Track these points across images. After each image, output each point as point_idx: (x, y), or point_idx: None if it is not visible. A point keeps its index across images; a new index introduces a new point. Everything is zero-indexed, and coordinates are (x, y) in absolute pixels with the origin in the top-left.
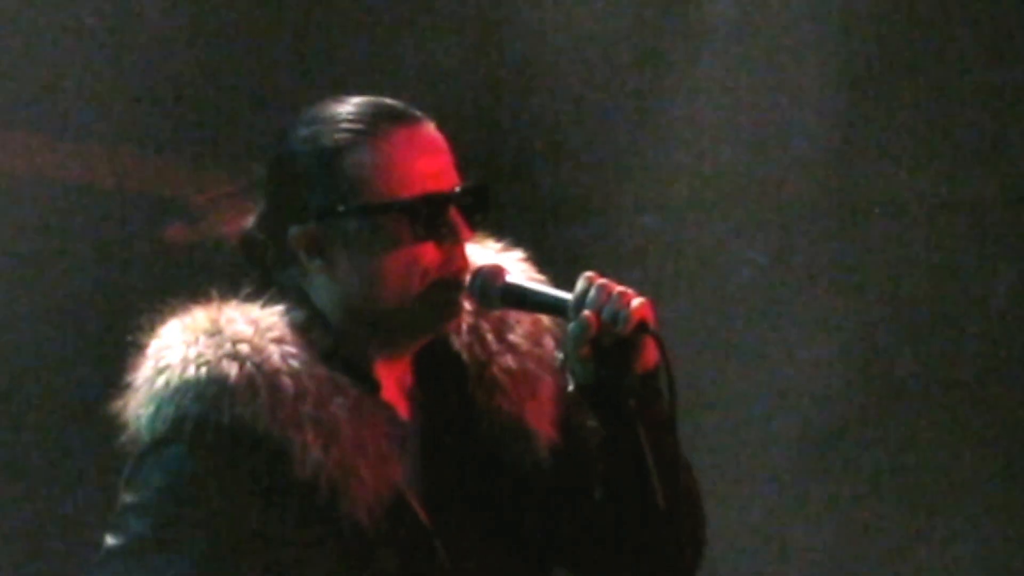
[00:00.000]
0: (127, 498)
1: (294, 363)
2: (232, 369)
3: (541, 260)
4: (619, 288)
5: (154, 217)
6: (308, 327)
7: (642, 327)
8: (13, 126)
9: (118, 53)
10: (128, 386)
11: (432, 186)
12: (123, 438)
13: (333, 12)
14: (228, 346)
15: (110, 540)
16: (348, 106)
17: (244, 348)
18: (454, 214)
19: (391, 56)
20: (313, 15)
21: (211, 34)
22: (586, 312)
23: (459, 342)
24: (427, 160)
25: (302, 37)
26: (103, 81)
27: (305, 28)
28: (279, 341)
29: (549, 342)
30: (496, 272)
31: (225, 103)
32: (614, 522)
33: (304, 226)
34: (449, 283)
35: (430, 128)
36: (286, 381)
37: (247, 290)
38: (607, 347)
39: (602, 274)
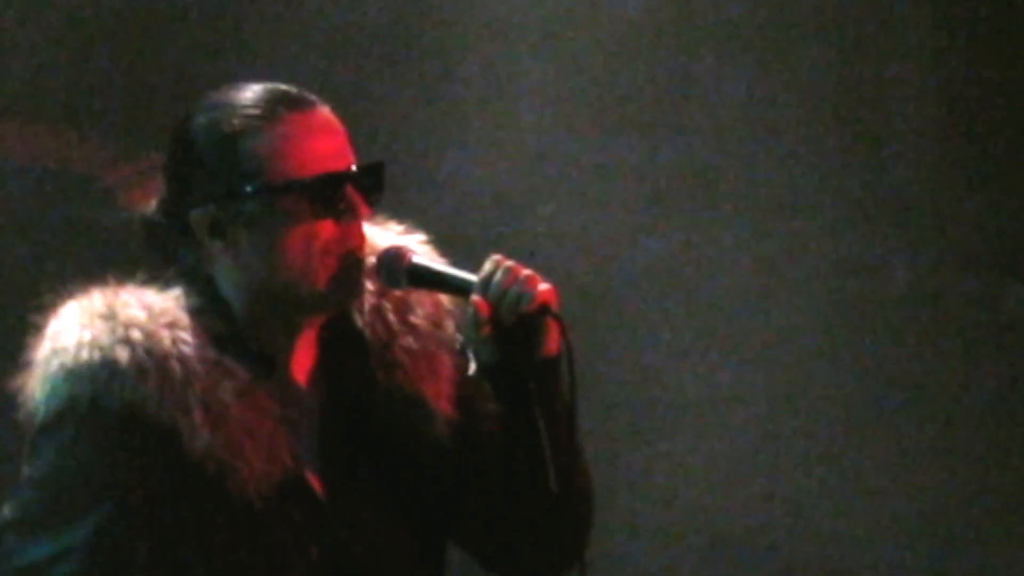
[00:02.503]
0: (25, 472)
1: (184, 348)
2: (123, 354)
3: (443, 244)
4: (525, 272)
5: (67, 195)
6: (203, 311)
7: (544, 310)
8: None
9: (42, 28)
10: (28, 365)
11: (328, 166)
12: (22, 414)
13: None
14: (121, 331)
15: (6, 512)
16: (245, 92)
17: (136, 333)
18: (351, 192)
19: (294, 36)
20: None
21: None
22: (475, 297)
23: (362, 321)
24: (322, 141)
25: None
26: (23, 55)
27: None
28: (171, 326)
29: (450, 324)
30: (402, 253)
31: (147, 81)
32: (507, 502)
33: (205, 209)
34: (349, 260)
35: (325, 111)
36: (175, 365)
37: (145, 274)
38: (509, 329)
39: (509, 258)
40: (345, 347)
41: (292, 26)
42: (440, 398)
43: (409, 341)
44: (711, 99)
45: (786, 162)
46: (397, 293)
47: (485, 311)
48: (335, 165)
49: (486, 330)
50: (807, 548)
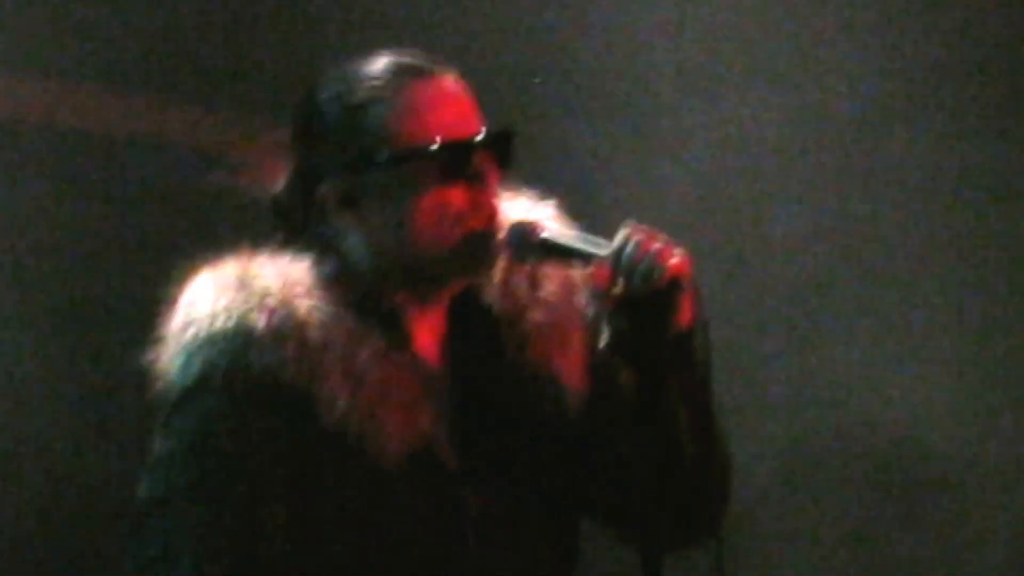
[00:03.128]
0: (160, 449)
1: (320, 315)
2: (259, 321)
3: (574, 211)
4: (658, 242)
5: (194, 168)
6: (336, 279)
7: (676, 283)
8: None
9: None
10: (160, 338)
11: (455, 133)
12: (155, 389)
13: None
14: (255, 298)
15: (145, 492)
16: (370, 63)
17: (272, 300)
18: (479, 159)
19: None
20: None
21: None
22: (595, 268)
23: (491, 294)
24: (449, 109)
25: None
26: (150, 33)
27: None
28: (306, 294)
29: (580, 297)
30: (531, 227)
31: (247, 49)
32: (642, 476)
33: (333, 181)
34: (481, 231)
35: (452, 79)
36: (312, 333)
37: (278, 242)
38: (642, 301)
39: (643, 225)
40: (474, 321)
41: None
42: (571, 373)
43: (539, 315)
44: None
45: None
46: (527, 266)
47: (606, 282)
48: (462, 132)
49: (611, 302)
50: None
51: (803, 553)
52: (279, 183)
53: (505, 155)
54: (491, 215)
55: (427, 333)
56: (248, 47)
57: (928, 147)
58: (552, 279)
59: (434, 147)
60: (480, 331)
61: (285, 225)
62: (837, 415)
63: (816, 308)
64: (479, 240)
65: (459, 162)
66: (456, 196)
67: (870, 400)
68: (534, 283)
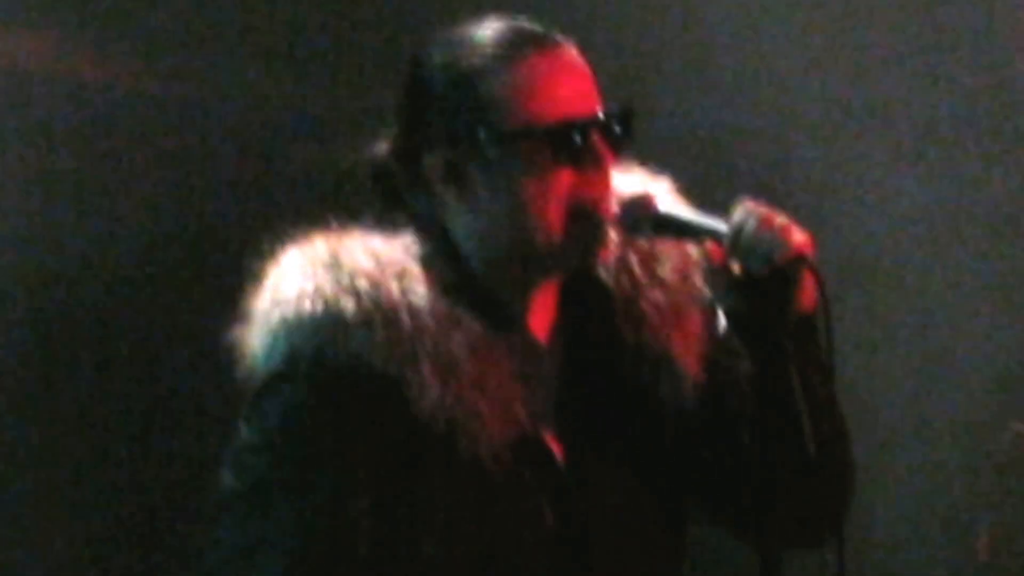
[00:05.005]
0: (245, 437)
1: (414, 299)
2: (349, 304)
3: (688, 189)
4: (780, 219)
5: (293, 136)
6: (434, 259)
7: (799, 261)
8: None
9: None
10: (245, 316)
11: (573, 110)
12: (240, 370)
13: None
14: (346, 280)
15: (229, 480)
16: (486, 29)
17: (362, 282)
18: (597, 139)
19: None
20: None
21: None
22: (710, 245)
23: (606, 273)
24: (568, 84)
25: None
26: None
27: None
28: (400, 275)
29: (698, 277)
30: (646, 201)
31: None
32: (760, 468)
33: (439, 153)
34: (592, 214)
35: (571, 51)
36: (404, 317)
37: (372, 219)
38: (762, 281)
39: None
40: (588, 301)
41: None
42: (688, 356)
43: (656, 295)
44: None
45: None
46: (643, 244)
47: (721, 259)
48: (580, 110)
49: (730, 281)
50: None
51: None
52: (382, 153)
53: (624, 135)
54: (604, 198)
55: (537, 315)
56: (349, 9)
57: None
58: (669, 258)
59: (551, 125)
60: (594, 312)
61: (384, 198)
62: None
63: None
64: (590, 225)
65: (575, 143)
66: (570, 177)
67: None
68: (650, 262)
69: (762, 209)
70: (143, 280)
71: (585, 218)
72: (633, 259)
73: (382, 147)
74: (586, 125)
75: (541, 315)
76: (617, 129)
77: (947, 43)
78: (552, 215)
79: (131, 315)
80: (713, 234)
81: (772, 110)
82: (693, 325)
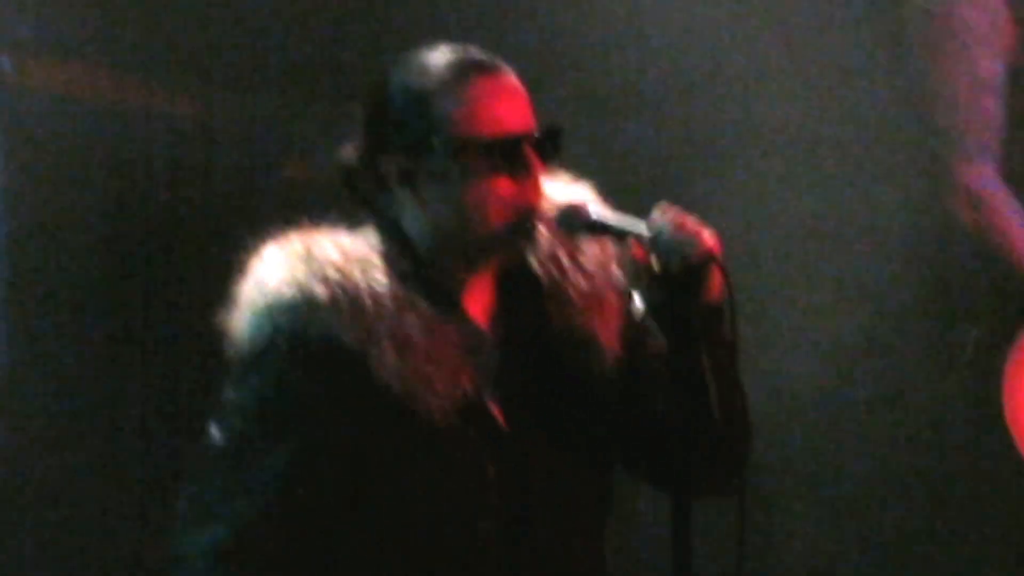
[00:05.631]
0: (231, 396)
1: (375, 285)
2: (320, 290)
3: (610, 196)
4: (693, 222)
5: (269, 152)
6: (391, 251)
7: (709, 259)
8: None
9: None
10: (232, 302)
11: (510, 128)
12: (227, 347)
13: None
14: (318, 269)
15: (215, 434)
16: (439, 56)
17: (331, 271)
18: (528, 152)
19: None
20: None
21: None
22: (635, 245)
23: (537, 264)
24: (506, 104)
25: None
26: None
27: None
28: (363, 265)
29: (615, 268)
30: (581, 206)
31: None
32: (672, 433)
33: (396, 158)
34: (524, 212)
35: (510, 76)
36: (367, 301)
37: (339, 216)
38: (677, 275)
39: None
40: (521, 289)
41: None
42: (608, 335)
43: (580, 283)
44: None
45: None
46: (568, 240)
47: (644, 257)
48: (516, 127)
49: (650, 275)
50: None
51: None
52: (349, 158)
53: (553, 148)
54: (534, 200)
55: (476, 300)
56: (321, 42)
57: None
58: (591, 253)
59: (489, 140)
60: (527, 299)
61: (350, 197)
62: None
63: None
64: (521, 222)
65: (509, 156)
66: (504, 183)
67: None
68: (575, 255)
69: (678, 213)
70: (154, 272)
71: (517, 217)
72: (560, 252)
73: (349, 154)
74: (520, 140)
75: (480, 300)
76: (547, 144)
77: (839, 66)
78: (489, 214)
79: (142, 303)
80: (636, 235)
81: (677, 123)
82: (611, 309)
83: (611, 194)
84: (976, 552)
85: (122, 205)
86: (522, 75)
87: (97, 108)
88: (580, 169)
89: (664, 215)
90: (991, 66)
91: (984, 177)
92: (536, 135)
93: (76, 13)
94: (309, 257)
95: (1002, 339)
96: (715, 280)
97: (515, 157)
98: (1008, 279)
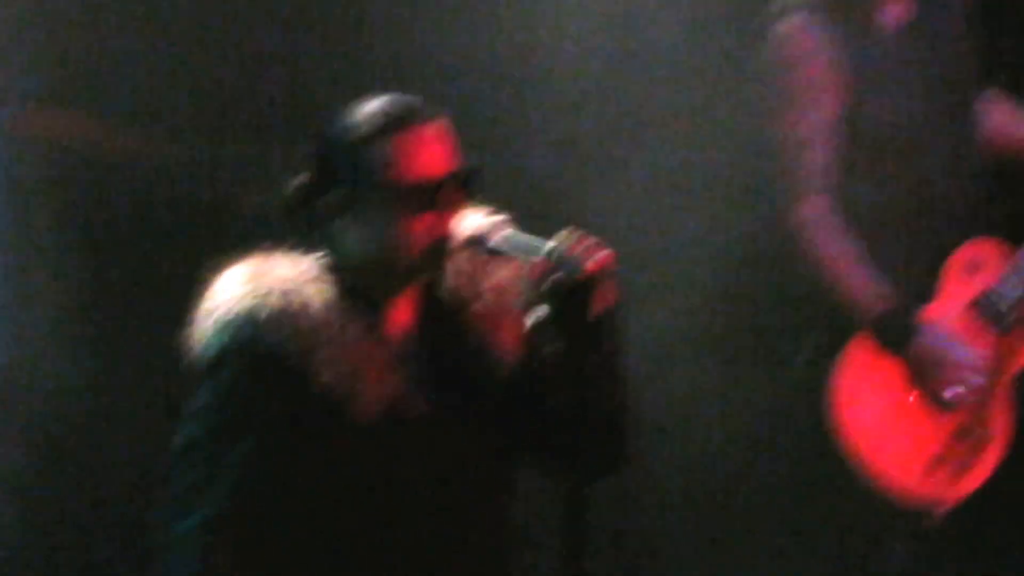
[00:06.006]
0: (191, 408)
1: (315, 302)
2: (266, 306)
3: (522, 222)
4: (587, 242)
5: (231, 188)
6: (330, 274)
7: (595, 277)
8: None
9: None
10: (192, 320)
11: (432, 172)
12: (187, 359)
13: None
14: (265, 289)
15: (181, 438)
16: (376, 105)
17: (277, 290)
18: (449, 190)
19: (395, 51)
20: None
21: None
22: (536, 261)
23: (449, 286)
24: (430, 151)
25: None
26: (186, 77)
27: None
28: (303, 287)
29: (515, 288)
30: (490, 230)
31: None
32: (566, 425)
33: (335, 194)
34: (440, 242)
35: (436, 123)
36: (306, 319)
37: (291, 241)
38: (570, 288)
39: (574, 231)
40: (437, 304)
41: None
42: (507, 345)
43: (484, 300)
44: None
45: None
46: (480, 261)
47: (541, 273)
48: (438, 171)
49: (546, 288)
50: None
51: None
52: (297, 192)
53: (472, 186)
54: (451, 231)
55: (400, 316)
56: (279, 96)
57: None
58: (494, 274)
59: (415, 182)
60: (441, 315)
61: (296, 224)
62: None
63: None
64: (438, 250)
65: (431, 195)
66: (426, 219)
67: None
68: (484, 274)
69: (575, 234)
70: (136, 285)
71: (436, 245)
72: (471, 273)
73: (297, 190)
74: (442, 182)
75: (403, 314)
76: (467, 181)
77: (713, 96)
78: (412, 244)
79: (129, 314)
80: (535, 255)
81: (555, 150)
82: (513, 322)
83: (523, 222)
84: (799, 548)
85: (106, 232)
86: (415, 92)
87: (84, 152)
88: (495, 197)
89: (563, 236)
90: (825, 114)
91: (816, 212)
92: (456, 176)
93: (62, 69)
94: (257, 280)
95: (834, 350)
96: (604, 293)
97: (436, 196)
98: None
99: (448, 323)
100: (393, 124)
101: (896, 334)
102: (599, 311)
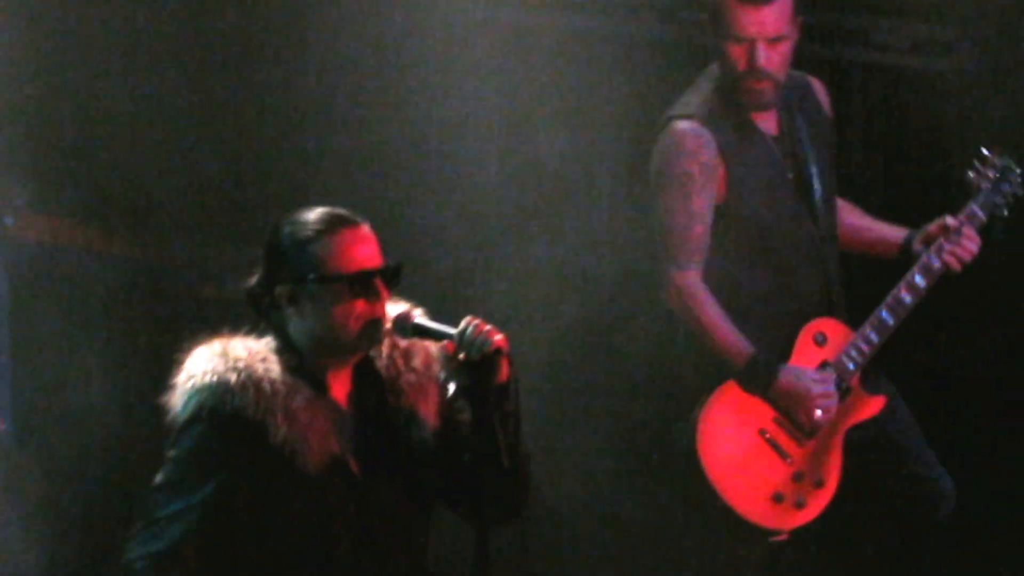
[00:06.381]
0: (168, 454)
1: (271, 375)
2: (232, 377)
3: (432, 309)
4: (487, 327)
5: (195, 282)
6: (282, 351)
7: (498, 352)
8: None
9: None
10: (171, 386)
11: (364, 266)
12: (167, 419)
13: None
14: (231, 363)
15: (158, 479)
16: (315, 213)
17: (241, 364)
18: (377, 282)
19: (326, 171)
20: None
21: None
22: (448, 343)
23: (380, 364)
24: (361, 249)
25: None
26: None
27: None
28: (263, 360)
29: (436, 366)
30: (408, 315)
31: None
32: (477, 476)
33: (285, 287)
34: (373, 324)
35: (365, 227)
36: (265, 385)
37: (248, 327)
38: (476, 364)
39: (477, 317)
40: (369, 379)
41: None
42: (429, 413)
43: (410, 377)
44: None
45: None
46: (403, 344)
47: (452, 351)
48: (368, 265)
49: (457, 364)
50: None
51: None
52: (253, 285)
53: (395, 278)
54: (381, 314)
55: (339, 387)
56: (237, 204)
57: None
58: (418, 353)
59: (349, 275)
60: (374, 386)
61: (254, 311)
62: None
63: None
64: (371, 331)
65: (363, 286)
66: (359, 305)
67: None
68: (408, 355)
69: (477, 320)
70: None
71: (368, 328)
72: (397, 353)
73: (253, 283)
74: (370, 275)
75: (342, 387)
76: (391, 275)
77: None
78: (348, 327)
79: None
80: (448, 336)
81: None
82: (432, 393)
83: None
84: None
85: (104, 315)
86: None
87: (78, 252)
88: (409, 294)
89: (467, 322)
90: (703, 204)
91: (687, 279)
92: (383, 270)
93: (59, 182)
94: (224, 355)
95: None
96: (504, 368)
97: (367, 286)
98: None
99: (379, 394)
100: (330, 227)
101: (761, 378)
102: (499, 382)
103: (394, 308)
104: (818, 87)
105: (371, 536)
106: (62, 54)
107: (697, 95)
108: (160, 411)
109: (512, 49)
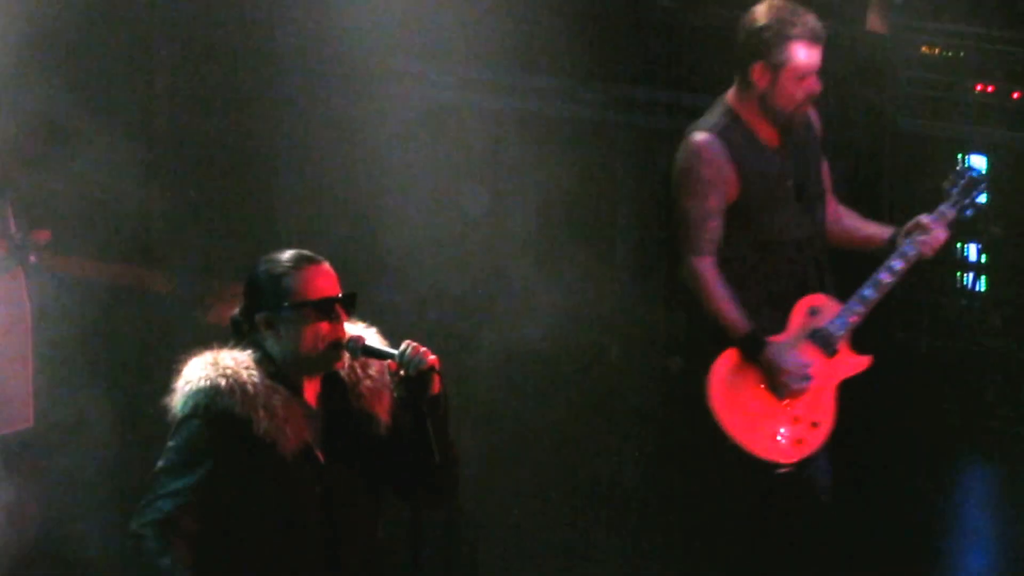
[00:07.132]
0: (170, 445)
1: (254, 379)
2: (222, 381)
3: (383, 328)
4: (423, 348)
5: (194, 308)
6: (263, 363)
7: (431, 369)
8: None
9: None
10: (172, 390)
11: (326, 294)
12: (168, 416)
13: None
14: (221, 370)
15: (160, 463)
16: (285, 253)
17: (229, 371)
18: (337, 307)
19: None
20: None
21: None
22: (391, 362)
23: (343, 373)
24: (323, 281)
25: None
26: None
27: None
28: (247, 368)
29: (387, 376)
30: (359, 338)
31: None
32: (416, 468)
33: (263, 313)
34: (335, 344)
35: (326, 265)
36: (249, 388)
37: (234, 344)
38: (413, 379)
39: (415, 340)
40: (334, 384)
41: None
42: (383, 414)
43: (368, 382)
44: None
45: None
46: (359, 359)
47: (395, 368)
48: (330, 293)
49: (399, 379)
50: None
51: None
52: (238, 313)
53: (351, 304)
54: (342, 335)
55: (310, 390)
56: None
57: None
58: (373, 366)
59: (315, 302)
60: (338, 392)
61: (238, 334)
62: None
63: None
64: (333, 349)
65: (327, 311)
66: (324, 327)
67: None
68: (365, 367)
69: (413, 343)
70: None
71: (331, 346)
72: (356, 366)
73: (238, 311)
74: (332, 302)
75: (312, 390)
76: (349, 301)
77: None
78: (316, 344)
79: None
80: (391, 356)
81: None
82: (385, 398)
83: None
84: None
85: (118, 339)
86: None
87: (94, 287)
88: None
89: (406, 344)
90: (716, 202)
91: (702, 264)
92: (342, 298)
93: (74, 225)
94: (215, 364)
95: (700, 367)
96: (436, 382)
97: (330, 311)
98: (709, 324)
99: (342, 398)
100: (298, 264)
101: (753, 348)
102: (434, 393)
103: (352, 328)
104: (809, 108)
105: (333, 512)
106: None
107: (713, 115)
108: (163, 409)
109: (438, 126)
